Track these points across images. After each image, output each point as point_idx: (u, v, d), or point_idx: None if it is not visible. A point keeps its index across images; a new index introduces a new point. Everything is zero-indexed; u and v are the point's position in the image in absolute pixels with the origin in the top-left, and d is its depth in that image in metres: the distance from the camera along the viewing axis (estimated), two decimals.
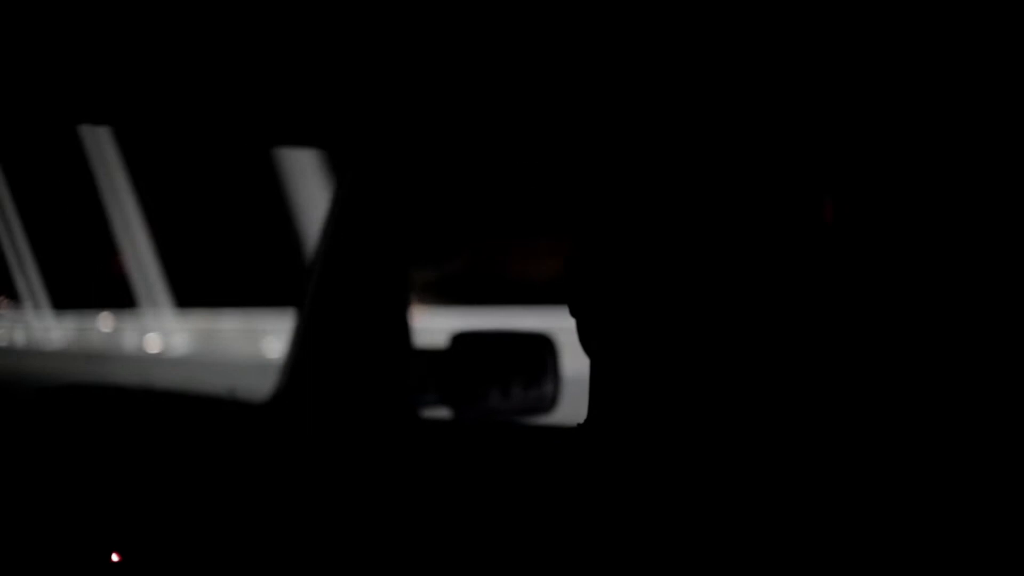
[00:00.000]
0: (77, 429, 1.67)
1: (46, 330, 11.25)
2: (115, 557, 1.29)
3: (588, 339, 0.71)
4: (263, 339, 9.49)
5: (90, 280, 11.37)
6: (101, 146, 9.85)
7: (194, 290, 10.48)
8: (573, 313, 0.71)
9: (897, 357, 0.60)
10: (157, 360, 10.62)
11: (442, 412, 1.81)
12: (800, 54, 0.66)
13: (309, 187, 8.59)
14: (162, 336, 10.65)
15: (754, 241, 0.61)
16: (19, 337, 11.66)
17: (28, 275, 10.60)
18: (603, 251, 0.67)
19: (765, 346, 0.61)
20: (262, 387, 1.91)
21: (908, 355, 0.60)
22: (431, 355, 1.85)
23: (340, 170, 1.82)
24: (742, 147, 0.63)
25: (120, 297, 10.47)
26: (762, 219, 0.61)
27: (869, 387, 0.60)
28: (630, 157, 0.66)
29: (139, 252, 10.19)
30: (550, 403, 1.84)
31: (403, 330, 1.83)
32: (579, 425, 0.72)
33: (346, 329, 1.79)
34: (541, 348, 1.89)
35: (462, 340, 1.85)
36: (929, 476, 0.58)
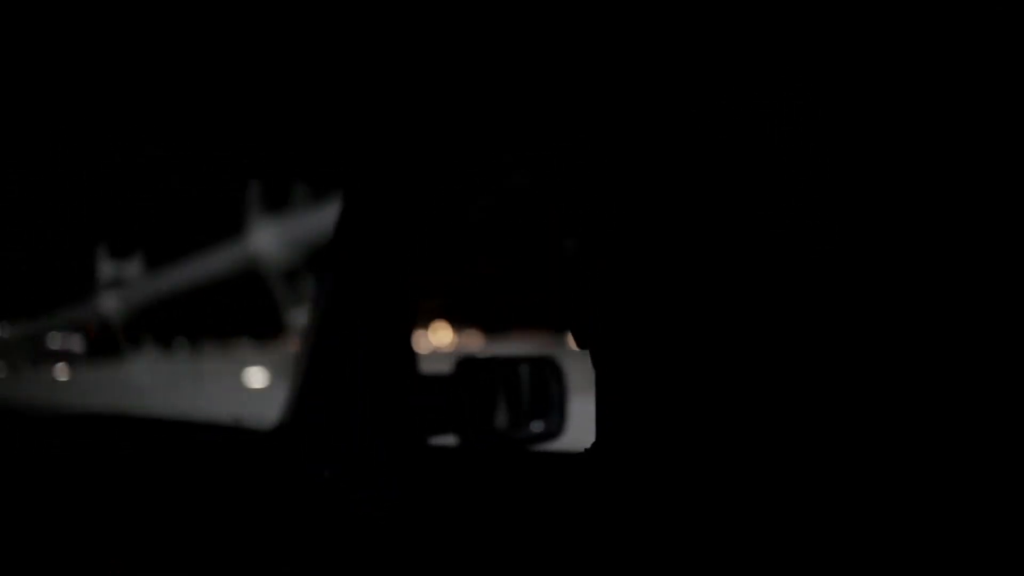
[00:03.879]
0: (84, 456, 1.67)
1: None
2: None
3: (599, 362, 0.70)
4: None
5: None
6: None
7: None
8: (581, 345, 0.70)
9: (899, 358, 0.59)
10: None
11: (449, 439, 1.80)
12: (801, 53, 0.66)
13: None
14: None
15: (767, 262, 0.61)
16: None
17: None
18: (612, 275, 0.66)
19: (780, 368, 0.61)
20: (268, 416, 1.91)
21: (910, 355, 0.59)
22: (437, 381, 1.84)
23: (342, 196, 1.82)
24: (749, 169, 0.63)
25: None
26: (773, 235, 0.61)
27: (874, 396, 0.60)
28: (639, 184, 0.66)
29: None
30: (557, 428, 1.83)
31: (408, 356, 1.83)
32: (586, 450, 0.71)
33: (351, 356, 1.79)
34: (547, 372, 1.87)
35: (467, 365, 1.84)
36: (933, 477, 0.58)
